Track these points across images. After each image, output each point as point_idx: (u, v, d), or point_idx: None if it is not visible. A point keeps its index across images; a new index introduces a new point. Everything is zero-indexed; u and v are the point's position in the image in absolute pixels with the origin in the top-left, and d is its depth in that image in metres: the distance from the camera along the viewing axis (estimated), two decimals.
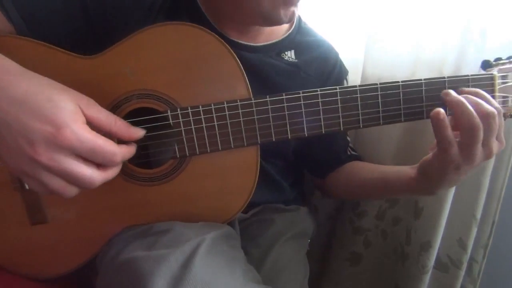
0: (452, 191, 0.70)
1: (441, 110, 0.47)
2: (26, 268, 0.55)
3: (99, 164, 0.42)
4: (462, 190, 0.71)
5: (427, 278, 0.76)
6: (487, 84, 0.52)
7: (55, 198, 0.52)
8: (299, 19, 0.67)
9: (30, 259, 0.54)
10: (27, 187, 0.52)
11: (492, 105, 0.46)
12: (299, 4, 0.55)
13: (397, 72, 0.73)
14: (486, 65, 0.54)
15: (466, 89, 0.50)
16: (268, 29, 0.62)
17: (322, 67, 0.67)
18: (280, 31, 0.64)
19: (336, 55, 0.70)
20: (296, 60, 0.63)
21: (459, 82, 0.51)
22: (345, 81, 0.72)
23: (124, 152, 0.44)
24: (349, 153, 0.73)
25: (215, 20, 0.59)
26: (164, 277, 0.40)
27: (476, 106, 0.46)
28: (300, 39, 0.65)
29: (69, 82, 0.47)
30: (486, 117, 0.45)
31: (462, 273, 0.74)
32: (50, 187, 0.40)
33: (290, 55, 0.63)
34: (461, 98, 0.47)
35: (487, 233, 0.73)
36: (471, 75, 0.52)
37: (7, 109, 0.39)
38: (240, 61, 0.51)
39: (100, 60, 0.51)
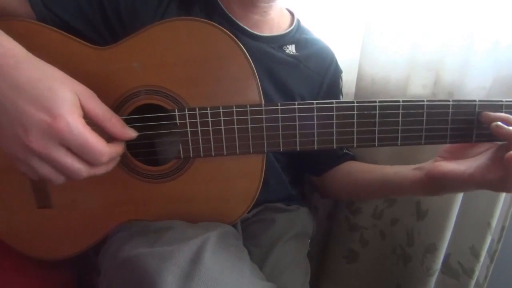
0: (460, 195, 0.68)
1: None
2: (29, 248, 0.56)
3: (85, 160, 0.41)
4: (477, 197, 0.68)
5: (432, 281, 0.74)
6: None
7: (61, 185, 0.53)
8: (298, 21, 0.69)
9: (33, 240, 0.56)
10: None
11: None
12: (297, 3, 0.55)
13: (393, 72, 0.71)
14: None
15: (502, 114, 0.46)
16: (269, 23, 0.63)
17: (320, 63, 0.67)
18: (282, 27, 0.66)
19: (332, 53, 0.71)
20: (297, 53, 0.64)
21: (491, 108, 0.47)
22: (340, 80, 0.72)
23: (113, 151, 0.43)
24: (345, 150, 0.72)
25: (226, 5, 0.60)
26: (172, 273, 0.40)
27: None
28: (299, 36, 0.67)
29: (80, 71, 0.47)
30: None
31: (473, 282, 0.71)
32: (39, 172, 0.41)
33: (291, 48, 0.64)
34: None
35: (496, 238, 0.71)
36: (506, 101, 0.47)
37: (7, 93, 0.39)
38: (244, 47, 0.49)
39: (111, 52, 0.50)
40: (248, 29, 0.60)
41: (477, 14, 0.61)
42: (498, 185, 0.43)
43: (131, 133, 0.46)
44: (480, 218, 0.68)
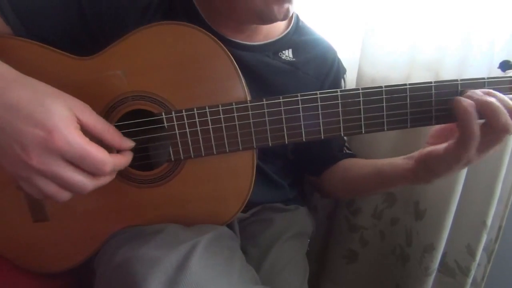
0: (458, 193, 0.68)
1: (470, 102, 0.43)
2: (29, 262, 0.57)
3: (88, 172, 0.41)
4: (472, 196, 0.68)
5: (430, 280, 0.74)
6: (506, 88, 0.47)
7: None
8: (297, 18, 0.66)
9: (33, 254, 0.56)
10: None
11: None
12: (296, 2, 0.53)
13: (393, 72, 0.71)
14: (505, 66, 0.49)
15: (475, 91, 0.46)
16: (265, 28, 0.61)
17: (321, 66, 0.65)
18: (278, 30, 0.63)
19: (334, 54, 0.69)
20: (294, 59, 0.62)
21: (474, 86, 0.47)
22: (342, 80, 0.70)
23: (117, 161, 0.43)
24: (344, 151, 0.72)
25: (211, 19, 0.58)
26: (159, 280, 0.40)
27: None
28: (298, 38, 0.64)
29: (65, 83, 0.47)
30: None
31: (470, 280, 0.72)
32: (43, 191, 0.41)
33: (287, 54, 0.62)
34: (490, 99, 0.43)
35: (493, 238, 0.71)
36: (488, 78, 0.47)
37: (1, 115, 0.39)
38: (236, 60, 0.49)
39: (96, 61, 0.50)
40: (240, 42, 0.58)
41: (474, 16, 0.61)
42: (463, 148, 0.44)
43: (128, 143, 0.46)
44: (475, 217, 0.69)
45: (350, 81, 0.78)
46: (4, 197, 0.54)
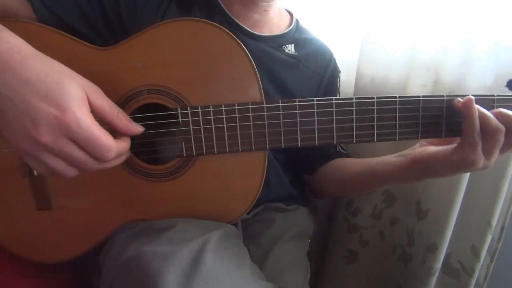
0: (461, 192, 0.68)
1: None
2: (30, 251, 0.56)
3: (92, 156, 0.41)
4: (477, 196, 0.68)
5: (433, 280, 0.74)
6: None
7: (62, 186, 0.53)
8: (297, 20, 0.70)
9: (35, 243, 0.55)
10: (35, 173, 0.52)
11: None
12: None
13: (392, 72, 0.72)
14: None
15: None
16: (269, 22, 0.65)
17: (319, 62, 0.69)
18: (281, 27, 0.68)
19: (330, 53, 0.73)
20: (296, 53, 0.66)
21: (484, 102, 0.48)
22: (338, 79, 0.73)
23: (120, 148, 0.44)
24: (338, 149, 0.73)
25: (226, 5, 0.61)
26: (174, 273, 0.40)
27: (483, 118, 0.45)
28: (298, 36, 0.68)
29: (81, 72, 0.46)
30: (492, 129, 0.45)
31: (474, 281, 0.72)
32: (50, 167, 0.41)
33: (290, 48, 0.66)
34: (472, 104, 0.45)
35: (496, 237, 0.71)
36: (497, 95, 0.49)
37: (16, 89, 0.39)
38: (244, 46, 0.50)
39: (113, 53, 0.50)
40: (248, 29, 0.61)
41: (478, 15, 0.62)
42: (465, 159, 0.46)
43: (137, 128, 0.46)
44: (480, 217, 0.69)
45: (349, 81, 0.79)
46: (8, 184, 0.53)
